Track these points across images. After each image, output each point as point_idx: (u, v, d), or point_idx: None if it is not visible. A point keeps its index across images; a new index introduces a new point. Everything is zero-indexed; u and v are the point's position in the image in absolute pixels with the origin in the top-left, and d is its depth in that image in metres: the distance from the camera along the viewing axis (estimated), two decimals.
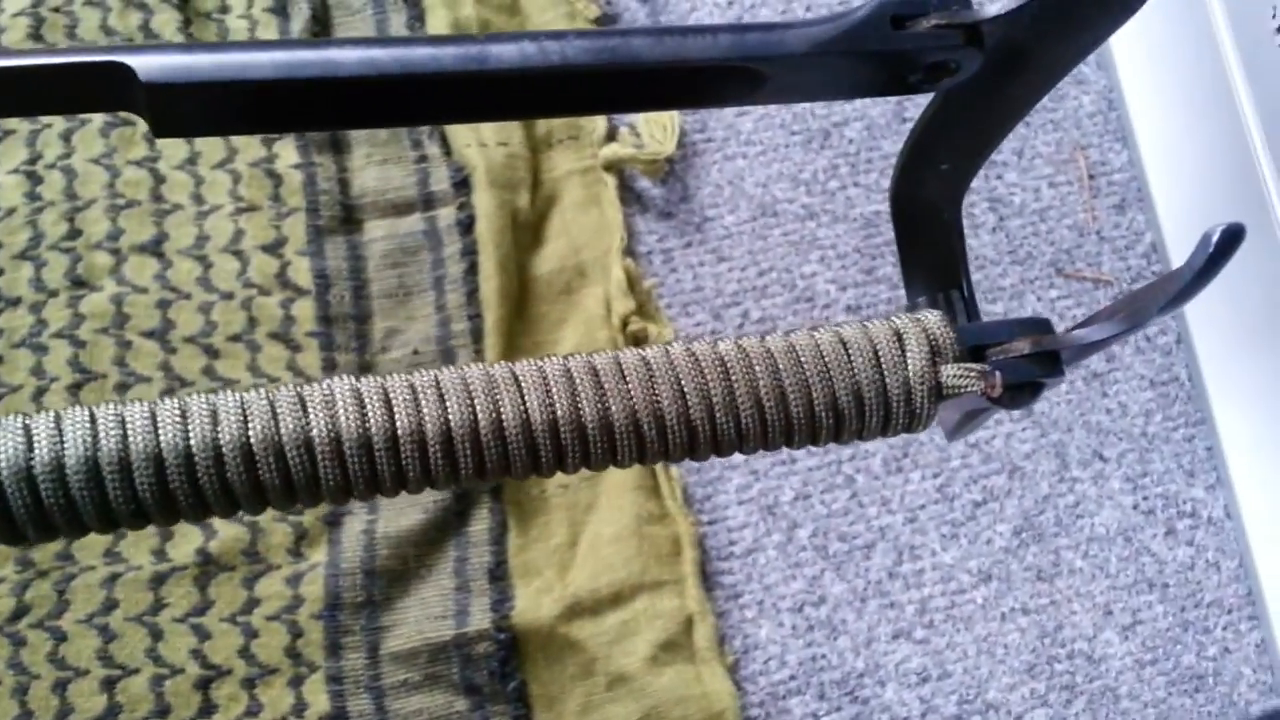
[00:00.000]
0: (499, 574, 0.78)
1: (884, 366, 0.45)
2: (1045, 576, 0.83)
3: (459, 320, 0.84)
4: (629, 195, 0.91)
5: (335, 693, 0.74)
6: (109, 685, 0.73)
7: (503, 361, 0.42)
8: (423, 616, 0.76)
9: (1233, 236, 0.36)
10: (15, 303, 0.81)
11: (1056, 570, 0.83)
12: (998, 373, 0.45)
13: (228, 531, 0.76)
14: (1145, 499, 0.86)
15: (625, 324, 0.85)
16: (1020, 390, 0.47)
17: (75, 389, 0.79)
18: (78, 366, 0.79)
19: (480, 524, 0.79)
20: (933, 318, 0.46)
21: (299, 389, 0.39)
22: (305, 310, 0.83)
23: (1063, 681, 0.81)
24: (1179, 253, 0.91)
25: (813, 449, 0.86)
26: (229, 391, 0.39)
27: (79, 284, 0.82)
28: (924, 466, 0.85)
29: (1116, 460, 0.86)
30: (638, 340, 0.85)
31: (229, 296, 0.83)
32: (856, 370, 0.44)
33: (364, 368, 0.82)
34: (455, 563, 0.78)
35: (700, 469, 0.83)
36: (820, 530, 0.83)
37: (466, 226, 0.86)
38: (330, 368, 0.82)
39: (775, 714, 0.78)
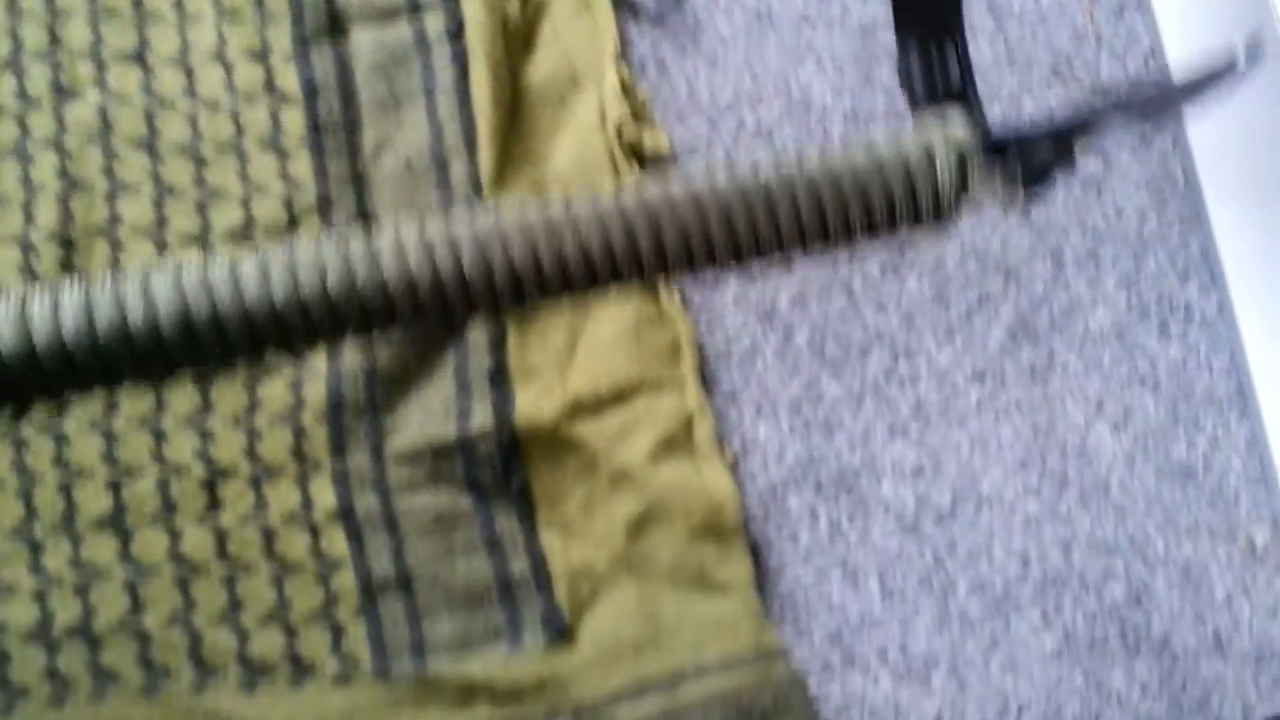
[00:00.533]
0: (499, 378, 0.78)
1: (916, 183, 0.46)
2: (1039, 375, 0.84)
3: (451, 130, 0.83)
4: (620, 1, 0.89)
5: (342, 491, 0.75)
6: (114, 487, 0.73)
7: (567, 198, 0.46)
8: (425, 419, 0.77)
9: (1256, 50, 0.37)
10: None
11: (1050, 369, 0.84)
12: (1021, 191, 0.47)
13: None
14: (1139, 299, 0.86)
15: (620, 131, 0.84)
16: (1033, 193, 0.49)
17: (64, 200, 0.78)
18: (65, 176, 0.78)
19: (478, 331, 0.79)
20: (958, 127, 0.47)
21: (373, 240, 0.45)
22: (294, 119, 0.82)
23: (1055, 474, 0.82)
24: (1177, 56, 0.90)
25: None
26: (305, 241, 0.43)
27: (62, 93, 0.80)
28: (920, 270, 0.85)
29: (1111, 262, 0.87)
30: (634, 149, 0.84)
31: (215, 105, 0.81)
32: (892, 187, 0.46)
33: (356, 178, 0.81)
34: (455, 369, 0.78)
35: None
36: (817, 333, 0.83)
37: (455, 33, 0.85)
38: (322, 175, 0.81)
39: (774, 507, 0.80)
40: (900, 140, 0.49)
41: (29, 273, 0.76)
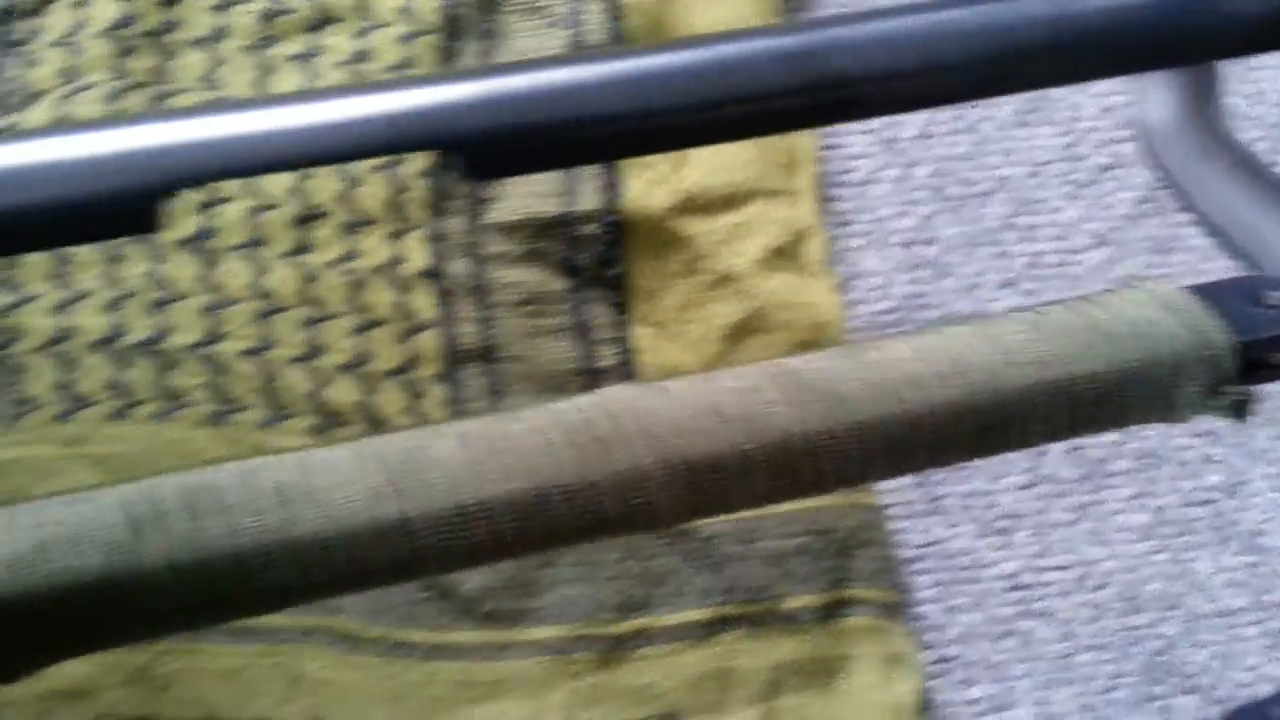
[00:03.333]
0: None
1: (1157, 401, 0.40)
2: (1162, 249, 0.80)
3: None
4: None
5: (435, 251, 0.72)
6: (205, 207, 0.70)
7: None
8: (530, 192, 0.73)
9: None
10: None
11: (1174, 245, 0.80)
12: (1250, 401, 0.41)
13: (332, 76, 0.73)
14: None
15: None
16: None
17: None
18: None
19: None
20: (1221, 344, 0.40)
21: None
22: None
23: None
24: None
25: None
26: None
27: None
28: (1054, 123, 0.81)
29: (1250, 144, 0.83)
30: None
31: None
32: (1133, 408, 0.40)
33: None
34: None
35: None
36: (940, 171, 0.79)
37: None
38: None
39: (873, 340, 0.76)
40: (1151, 344, 0.41)
41: None
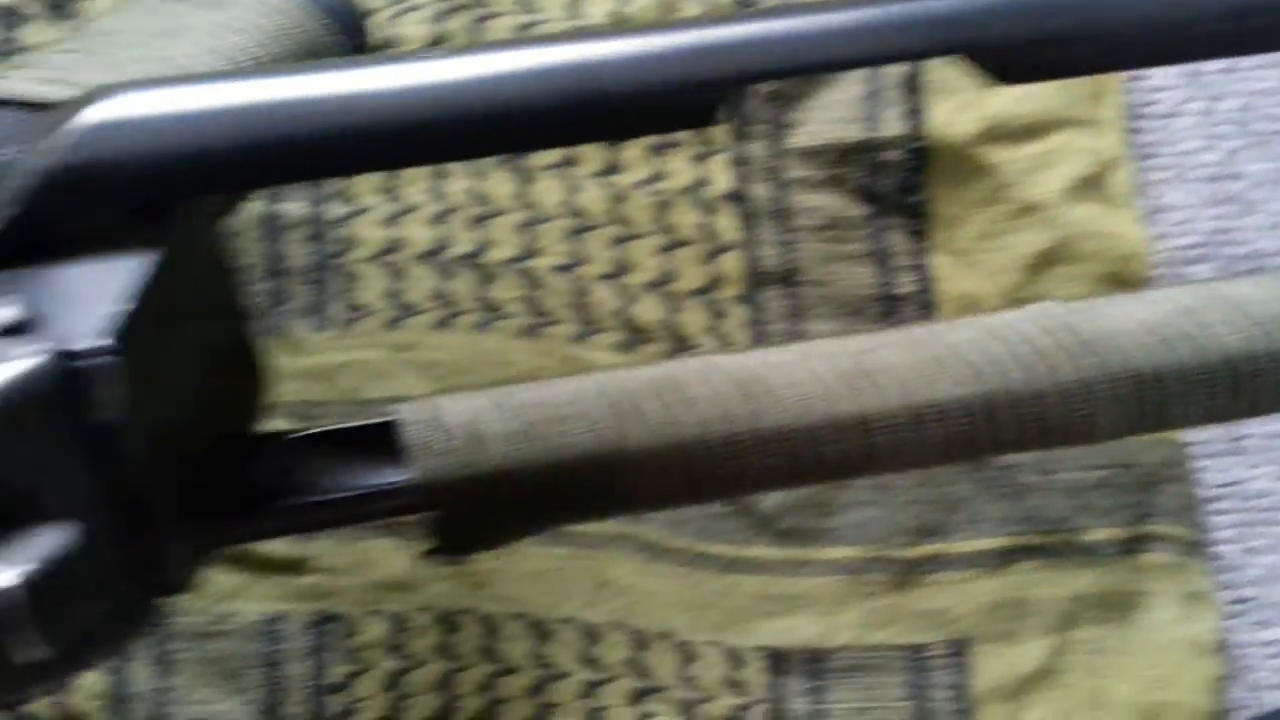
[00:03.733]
0: (914, 86, 0.74)
1: None
2: None
3: None
4: None
5: (738, 175, 0.73)
6: None
7: None
8: (832, 118, 0.74)
9: None
10: None
11: None
12: None
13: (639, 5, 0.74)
14: None
15: None
16: None
17: None
18: None
19: None
20: None
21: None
22: None
23: None
24: None
25: None
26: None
27: None
28: None
29: None
30: None
31: None
32: None
33: None
34: (869, 71, 0.74)
35: None
36: (1246, 106, 0.77)
37: None
38: None
39: (1177, 276, 0.75)
40: None
41: None
